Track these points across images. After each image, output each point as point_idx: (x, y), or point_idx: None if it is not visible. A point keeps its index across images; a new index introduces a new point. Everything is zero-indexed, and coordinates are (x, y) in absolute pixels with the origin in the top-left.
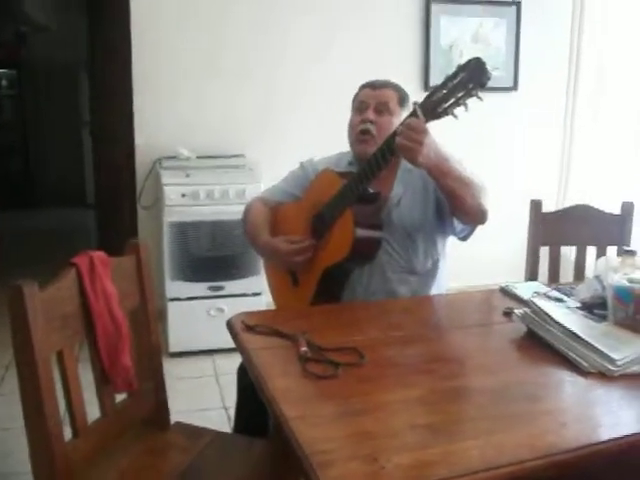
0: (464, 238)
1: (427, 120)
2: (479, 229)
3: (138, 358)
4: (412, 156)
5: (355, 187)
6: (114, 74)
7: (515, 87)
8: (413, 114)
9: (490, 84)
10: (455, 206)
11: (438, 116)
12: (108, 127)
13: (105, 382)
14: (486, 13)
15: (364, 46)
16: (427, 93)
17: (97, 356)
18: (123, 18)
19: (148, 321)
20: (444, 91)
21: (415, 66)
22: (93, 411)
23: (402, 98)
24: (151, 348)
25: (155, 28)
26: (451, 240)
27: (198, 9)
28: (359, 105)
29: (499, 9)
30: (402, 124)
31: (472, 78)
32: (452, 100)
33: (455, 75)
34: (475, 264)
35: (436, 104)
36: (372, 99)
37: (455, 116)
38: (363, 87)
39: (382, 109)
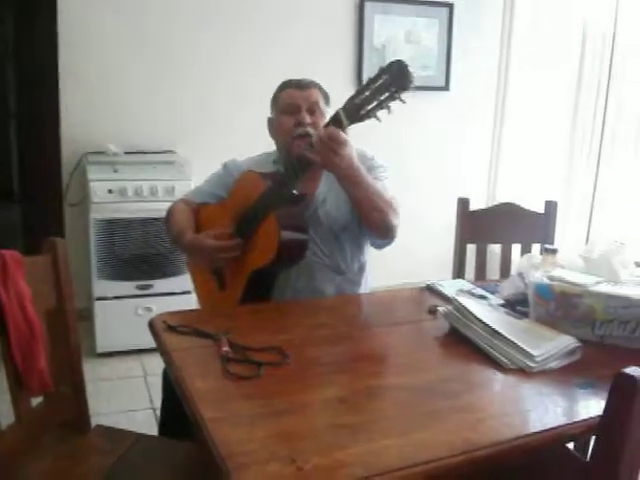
0: (378, 247)
1: (350, 123)
2: (407, 228)
3: (56, 360)
4: (326, 164)
5: (279, 189)
6: (40, 67)
7: (447, 87)
8: (336, 118)
9: (422, 84)
10: (361, 217)
11: (361, 119)
12: (33, 121)
13: (20, 385)
14: (419, 13)
15: (297, 45)
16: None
17: (10, 358)
18: (50, 10)
19: (66, 322)
20: (367, 93)
21: (348, 65)
22: (8, 415)
23: (326, 96)
24: (70, 349)
25: (82, 21)
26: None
27: (128, 1)
28: (287, 107)
29: (432, 10)
30: (324, 128)
31: (395, 81)
32: (375, 103)
33: (377, 77)
34: (405, 262)
35: (359, 107)
36: (302, 100)
37: (378, 119)
38: (286, 87)
39: (314, 109)
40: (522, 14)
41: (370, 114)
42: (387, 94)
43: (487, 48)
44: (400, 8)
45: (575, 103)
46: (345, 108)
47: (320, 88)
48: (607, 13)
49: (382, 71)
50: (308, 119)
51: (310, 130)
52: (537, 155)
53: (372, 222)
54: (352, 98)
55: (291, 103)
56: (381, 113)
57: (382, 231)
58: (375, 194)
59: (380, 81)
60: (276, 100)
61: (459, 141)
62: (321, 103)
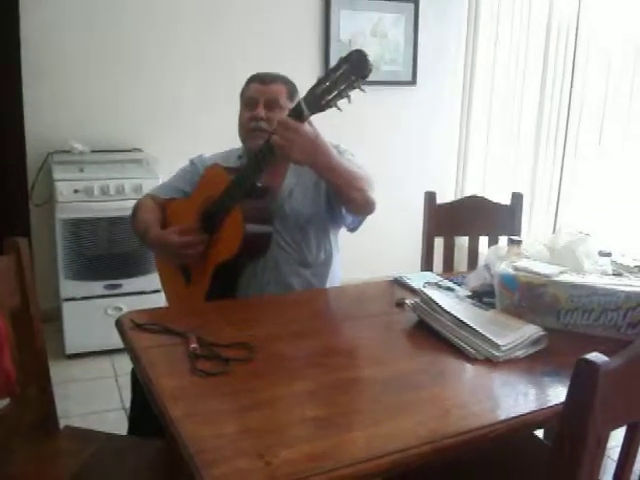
0: (353, 229)
1: (312, 113)
2: (378, 221)
3: (22, 361)
4: (284, 153)
5: (243, 182)
6: (2, 66)
7: (414, 81)
8: (297, 108)
9: (389, 78)
10: (342, 200)
11: (321, 109)
12: None
13: None
14: (385, 8)
15: (263, 40)
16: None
17: None
18: (11, 7)
19: (31, 322)
20: (327, 83)
21: (315, 60)
22: None
23: (291, 91)
24: (36, 350)
25: (45, 18)
26: (348, 232)
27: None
28: (248, 101)
29: (398, 5)
30: (278, 120)
31: (354, 70)
32: (335, 92)
33: (337, 67)
34: (373, 256)
35: (320, 97)
36: (261, 95)
37: (339, 108)
38: (251, 81)
39: (273, 105)
40: (487, 7)
41: (331, 103)
42: (347, 83)
43: (453, 42)
44: (366, 3)
45: (541, 95)
46: (306, 98)
47: (286, 82)
48: (570, 5)
49: (342, 61)
50: (262, 114)
51: (262, 125)
52: (504, 148)
53: (353, 201)
54: (313, 88)
55: (251, 97)
56: (342, 103)
57: (364, 208)
58: (350, 174)
59: (340, 71)
60: (242, 94)
61: (427, 135)
62: (282, 98)
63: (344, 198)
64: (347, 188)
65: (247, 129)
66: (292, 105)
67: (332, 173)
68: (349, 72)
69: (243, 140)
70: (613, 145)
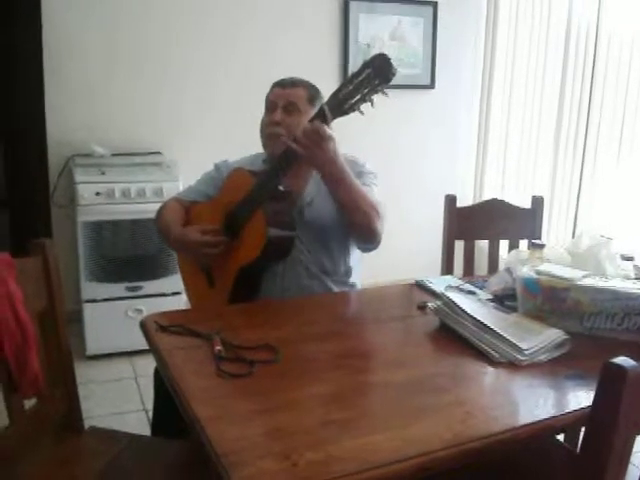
0: (363, 251)
1: (334, 117)
2: (397, 225)
3: (48, 362)
4: (310, 157)
5: (265, 185)
6: (24, 71)
7: (432, 85)
8: (320, 113)
9: (408, 82)
10: (345, 217)
11: (345, 113)
12: (19, 124)
13: (13, 387)
14: (403, 12)
15: (283, 44)
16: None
17: (3, 360)
18: (34, 12)
19: (57, 324)
20: (350, 87)
21: (334, 64)
22: (1, 418)
23: (312, 96)
24: (61, 351)
25: (67, 22)
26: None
27: (116, 2)
28: (269, 105)
29: (416, 8)
30: (309, 122)
31: (378, 74)
32: (358, 96)
33: (361, 71)
34: (393, 259)
35: (342, 101)
36: (281, 99)
37: (362, 112)
38: (274, 86)
39: (291, 109)
40: (506, 10)
41: (354, 107)
42: (370, 87)
43: (472, 45)
44: (385, 7)
45: (560, 98)
46: (329, 102)
47: (307, 87)
48: (590, 7)
49: (365, 65)
50: (278, 118)
51: (278, 130)
52: (523, 151)
53: (355, 224)
54: (336, 92)
55: (272, 101)
56: (365, 107)
57: (365, 234)
58: (359, 195)
59: (363, 75)
60: (266, 99)
61: (445, 139)
62: (301, 102)
63: (346, 216)
64: (350, 206)
65: (265, 134)
66: (312, 109)
67: (339, 186)
68: (373, 76)
69: (263, 145)
70: (633, 148)
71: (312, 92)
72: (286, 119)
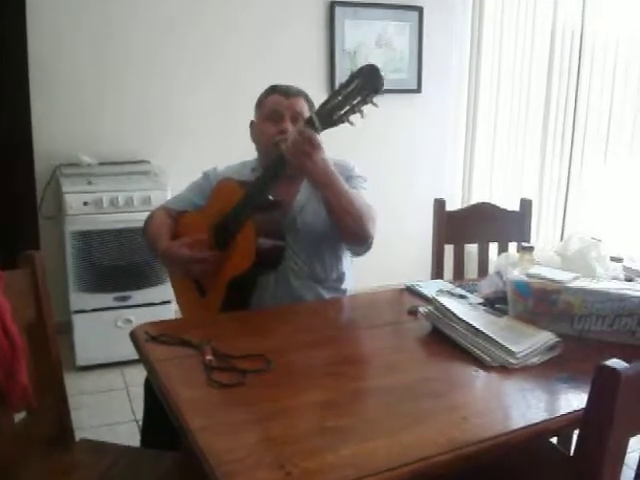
0: (356, 255)
1: (323, 128)
2: (386, 229)
3: (37, 374)
4: (299, 165)
5: (255, 195)
6: (10, 78)
7: (419, 89)
8: (309, 122)
9: (395, 86)
10: (335, 221)
11: (334, 124)
12: (5, 135)
13: (1, 400)
14: (389, 17)
15: (269, 51)
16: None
17: None
18: (19, 21)
19: (46, 335)
20: (339, 98)
21: (320, 70)
22: None
23: (311, 106)
24: (51, 363)
25: (53, 31)
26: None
27: (100, 11)
28: (272, 114)
29: (402, 13)
30: (297, 131)
31: (366, 85)
32: (347, 107)
33: (349, 82)
34: (382, 264)
35: (331, 112)
36: (287, 109)
37: (351, 123)
38: (272, 93)
39: (297, 119)
40: (491, 14)
41: (343, 118)
42: (359, 98)
43: (457, 49)
44: (370, 12)
45: (546, 100)
46: (318, 113)
47: (306, 97)
48: (575, 9)
49: (353, 76)
50: (290, 128)
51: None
52: (511, 153)
53: (345, 227)
54: (325, 103)
55: (276, 110)
56: (354, 117)
57: (356, 237)
58: (348, 199)
59: (352, 86)
60: (261, 105)
61: (433, 143)
62: (305, 113)
63: (336, 220)
64: (340, 209)
65: (274, 143)
66: None
67: (329, 190)
68: (361, 87)
69: (265, 152)
70: (620, 150)
71: (310, 102)
72: (291, 129)
